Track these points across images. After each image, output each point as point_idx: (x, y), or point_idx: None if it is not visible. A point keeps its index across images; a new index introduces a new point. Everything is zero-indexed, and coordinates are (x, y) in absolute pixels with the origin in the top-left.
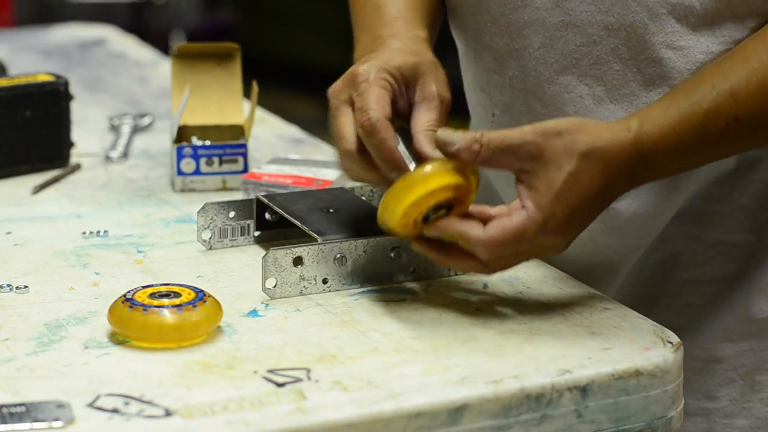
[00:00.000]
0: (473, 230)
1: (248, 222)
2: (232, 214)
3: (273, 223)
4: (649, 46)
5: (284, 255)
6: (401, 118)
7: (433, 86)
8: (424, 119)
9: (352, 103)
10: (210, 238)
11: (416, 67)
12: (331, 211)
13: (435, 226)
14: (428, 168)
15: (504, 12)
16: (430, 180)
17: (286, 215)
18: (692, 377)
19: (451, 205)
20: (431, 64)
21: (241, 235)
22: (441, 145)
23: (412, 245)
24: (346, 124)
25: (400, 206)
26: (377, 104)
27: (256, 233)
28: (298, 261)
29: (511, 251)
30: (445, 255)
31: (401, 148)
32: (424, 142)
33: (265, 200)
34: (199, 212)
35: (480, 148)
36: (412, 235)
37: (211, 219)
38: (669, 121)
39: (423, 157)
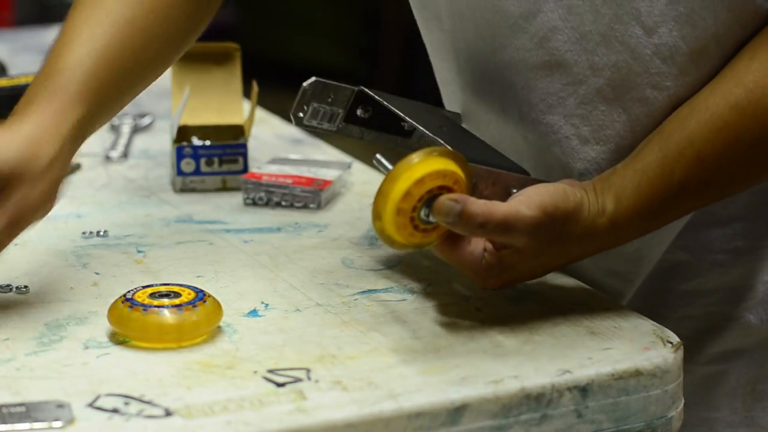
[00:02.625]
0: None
1: (339, 110)
2: (330, 98)
3: (361, 119)
4: (634, 86)
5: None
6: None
7: (23, 192)
8: None
9: None
10: (302, 115)
11: (16, 171)
12: (444, 128)
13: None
14: (413, 157)
15: (481, 55)
16: (416, 167)
17: (393, 109)
18: (693, 388)
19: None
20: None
21: (328, 121)
22: (441, 216)
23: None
24: None
25: (391, 202)
26: None
27: (341, 124)
28: None
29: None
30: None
31: (379, 157)
32: None
33: (371, 92)
34: (305, 85)
35: (480, 231)
36: (413, 244)
37: (312, 95)
38: (642, 198)
39: None
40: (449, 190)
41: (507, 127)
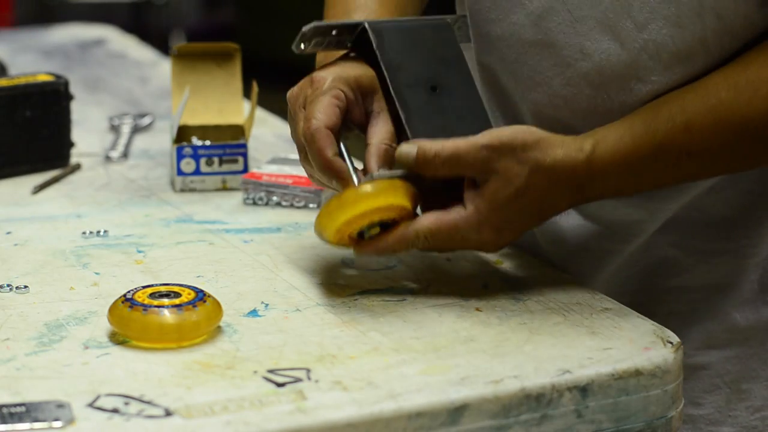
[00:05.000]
0: (407, 228)
1: (346, 39)
2: (334, 32)
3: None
4: (620, 77)
5: None
6: (359, 127)
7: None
8: (380, 132)
9: None
10: (303, 47)
11: (375, 78)
12: (436, 90)
13: (368, 246)
14: (363, 188)
15: (480, 24)
16: (361, 202)
17: (385, 73)
18: None
19: (389, 223)
20: None
21: (335, 46)
22: (401, 160)
23: (354, 253)
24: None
25: (333, 224)
26: (323, 113)
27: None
28: None
29: (442, 240)
30: (382, 245)
31: (346, 159)
32: (372, 156)
33: (372, 36)
34: (305, 30)
35: (436, 162)
36: (345, 246)
37: (312, 35)
38: (622, 148)
39: (367, 170)
40: (393, 221)
41: (503, 99)
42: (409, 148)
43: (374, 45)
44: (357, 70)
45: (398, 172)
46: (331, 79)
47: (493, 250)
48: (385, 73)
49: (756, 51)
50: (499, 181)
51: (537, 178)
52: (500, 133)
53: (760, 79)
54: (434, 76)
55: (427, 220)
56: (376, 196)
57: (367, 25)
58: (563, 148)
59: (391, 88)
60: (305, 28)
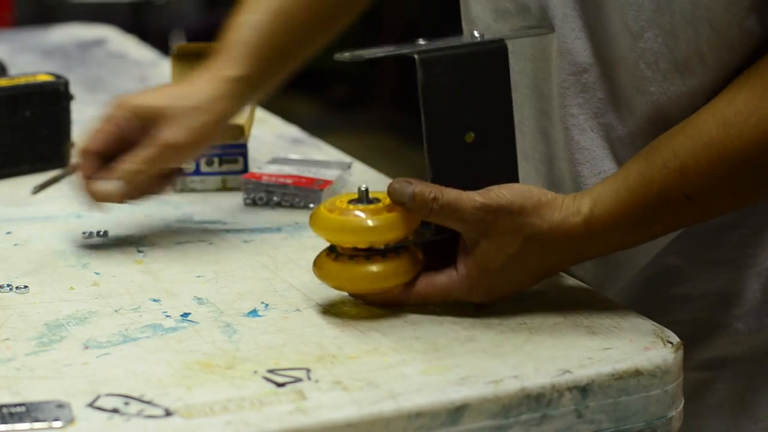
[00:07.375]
0: (400, 293)
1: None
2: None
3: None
4: (623, 85)
5: None
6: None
7: (164, 131)
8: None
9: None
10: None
11: (163, 111)
12: (474, 138)
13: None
14: (369, 221)
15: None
16: (368, 233)
17: (423, 122)
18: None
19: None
20: (188, 110)
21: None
22: (394, 197)
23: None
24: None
25: (334, 238)
26: (94, 135)
27: None
28: None
29: (434, 301)
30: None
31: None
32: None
33: (421, 73)
34: (352, 57)
35: (432, 206)
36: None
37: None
38: (620, 204)
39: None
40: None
41: (529, 111)
42: (403, 187)
43: (420, 85)
44: (150, 100)
45: None
46: (115, 107)
47: (484, 303)
48: (423, 122)
49: (740, 82)
50: (491, 247)
51: (532, 245)
52: (500, 196)
53: (748, 109)
54: (475, 120)
55: (419, 285)
56: (382, 232)
57: (417, 59)
58: (561, 212)
59: (424, 140)
60: (351, 57)
